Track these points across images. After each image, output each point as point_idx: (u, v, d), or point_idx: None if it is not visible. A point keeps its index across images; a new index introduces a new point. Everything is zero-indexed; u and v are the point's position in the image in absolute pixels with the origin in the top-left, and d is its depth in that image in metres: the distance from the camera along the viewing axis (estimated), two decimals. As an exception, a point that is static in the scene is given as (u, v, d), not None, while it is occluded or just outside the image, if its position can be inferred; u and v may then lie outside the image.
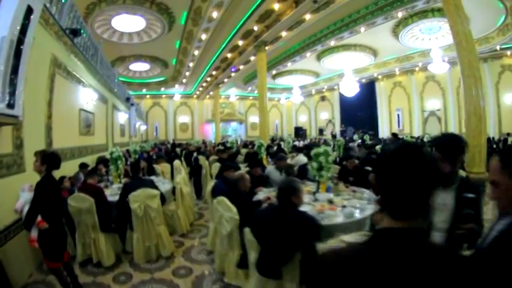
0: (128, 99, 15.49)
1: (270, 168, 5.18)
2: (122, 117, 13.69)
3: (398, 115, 23.07)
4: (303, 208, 3.09)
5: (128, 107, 15.95)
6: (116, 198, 4.34)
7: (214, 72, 19.75)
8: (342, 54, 18.64)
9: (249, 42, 14.32)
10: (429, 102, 20.56)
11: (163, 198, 4.37)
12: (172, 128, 29.40)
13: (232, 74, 19.99)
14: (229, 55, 16.18)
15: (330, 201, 3.92)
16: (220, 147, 11.77)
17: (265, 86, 14.26)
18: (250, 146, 13.75)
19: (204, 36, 12.66)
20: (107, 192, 4.77)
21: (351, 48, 17.80)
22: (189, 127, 30.20)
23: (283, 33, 13.43)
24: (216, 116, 23.34)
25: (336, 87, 27.08)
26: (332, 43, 15.62)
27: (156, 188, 4.34)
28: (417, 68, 20.08)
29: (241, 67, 18.35)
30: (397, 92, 23.05)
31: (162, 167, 6.65)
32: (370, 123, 24.52)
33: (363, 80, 23.54)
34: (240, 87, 26.58)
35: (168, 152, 8.80)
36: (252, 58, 16.58)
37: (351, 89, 19.57)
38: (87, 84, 7.82)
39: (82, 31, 6.60)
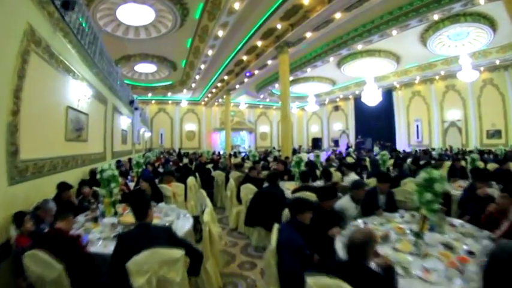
0: (131, 102, 13.97)
1: (344, 201, 3.51)
2: (124, 122, 12.14)
3: (417, 126, 21.75)
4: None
5: (132, 111, 14.41)
6: (108, 248, 2.61)
7: (226, 77, 18.27)
8: (365, 61, 17.23)
9: (269, 42, 12.85)
10: (449, 112, 19.49)
11: (195, 259, 2.64)
12: (178, 136, 27.87)
13: (246, 80, 18.51)
14: (245, 57, 14.67)
15: (449, 247, 2.55)
16: (241, 161, 10.15)
17: (288, 92, 12.75)
18: (271, 160, 12.04)
19: (220, 33, 11.15)
20: (94, 234, 3.06)
21: (375, 54, 16.38)
22: (196, 135, 28.67)
23: (308, 34, 12.00)
24: (226, 124, 21.74)
25: (350, 96, 25.92)
26: (359, 47, 14.11)
27: (176, 242, 2.49)
28: (437, 77, 19.23)
29: (256, 72, 16.85)
30: (416, 101, 21.92)
31: (173, 186, 4.95)
32: (387, 134, 23.33)
33: (380, 89, 21.95)
34: (251, 94, 25.14)
35: (179, 165, 7.19)
36: (269, 62, 15.15)
37: (373, 97, 18.14)
38: (79, 76, 6.25)
39: (77, 5, 5.04)
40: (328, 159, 11.29)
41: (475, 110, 18.25)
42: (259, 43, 12.76)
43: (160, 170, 8.96)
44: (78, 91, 6.20)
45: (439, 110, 20.18)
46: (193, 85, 19.23)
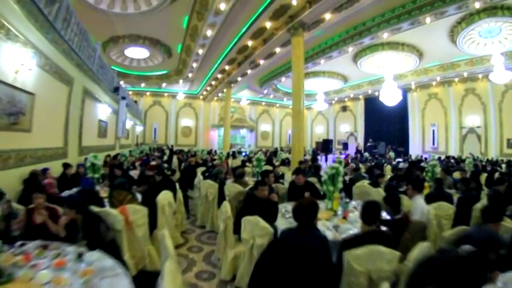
0: (116, 89, 11.94)
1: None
2: (103, 111, 10.09)
3: (433, 131, 20.01)
4: None
5: (117, 101, 12.37)
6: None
7: (227, 67, 16.22)
8: (385, 55, 15.41)
9: (280, 24, 10.82)
10: (468, 117, 18.04)
11: None
12: (173, 131, 25.80)
13: (249, 71, 16.48)
14: (250, 43, 12.63)
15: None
16: (241, 165, 8.08)
17: (302, 83, 10.65)
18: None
19: (223, 6, 9.11)
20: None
21: (398, 47, 14.47)
22: (193, 132, 26.61)
23: (327, 16, 10.00)
24: (226, 121, 19.60)
25: (361, 96, 24.20)
26: (385, 35, 12.10)
27: None
28: (457, 79, 17.67)
29: (261, 62, 14.81)
30: (432, 104, 20.28)
31: (128, 211, 2.84)
32: (400, 138, 21.81)
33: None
34: (254, 89, 23.14)
35: (161, 169, 5.19)
36: (278, 50, 13.13)
37: (392, 97, 16.18)
38: (19, 39, 4.30)
39: None
40: (346, 166, 9.23)
41: (495, 116, 16.90)
42: (268, 24, 10.72)
43: (134, 173, 6.91)
44: (15, 59, 4.19)
45: (457, 114, 18.61)
46: (190, 75, 17.12)
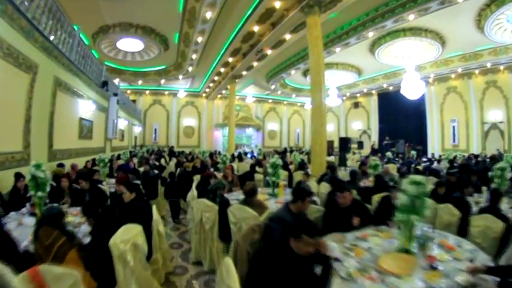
0: (105, 84, 10.49)
1: None
2: (86, 108, 8.64)
3: (454, 127, 18.42)
4: None
5: (107, 97, 10.94)
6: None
7: (230, 59, 14.71)
8: (405, 43, 13.86)
9: (292, 3, 9.27)
10: (490, 112, 16.66)
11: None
12: (175, 131, 24.34)
13: (255, 64, 14.97)
14: (256, 28, 11.10)
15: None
16: (250, 173, 6.56)
17: (323, 68, 9.04)
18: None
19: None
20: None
21: (421, 33, 12.86)
22: (195, 132, 25.14)
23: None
24: (230, 119, 18.00)
25: (374, 91, 22.63)
26: (411, 17, 10.51)
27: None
28: (477, 71, 16.28)
29: (269, 52, 13.30)
30: (452, 99, 18.66)
31: (45, 278, 1.45)
32: (418, 135, 20.24)
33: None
34: (260, 85, 21.62)
35: (131, 183, 3.61)
36: (288, 37, 11.64)
37: (414, 89, 14.59)
38: None
39: None
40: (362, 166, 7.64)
41: (519, 110, 15.47)
42: (277, 4, 9.19)
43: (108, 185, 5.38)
44: None
45: (479, 109, 17.17)
46: (190, 69, 15.59)
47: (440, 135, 19.46)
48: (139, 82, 19.11)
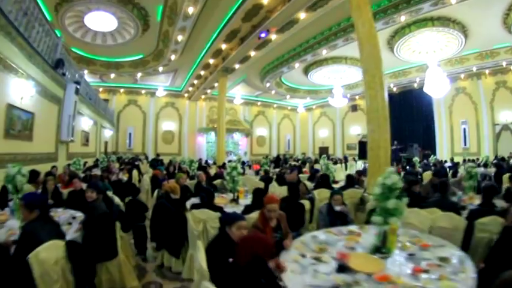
0: (59, 63, 7.52)
1: None
2: (19, 90, 5.67)
3: (464, 129, 17.36)
4: None
5: (62, 84, 7.97)
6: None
7: (224, 46, 12.03)
8: (427, 36, 12.33)
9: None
10: (502, 113, 16.10)
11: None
12: (152, 137, 21.17)
13: (252, 54, 12.43)
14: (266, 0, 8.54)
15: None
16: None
17: (376, 41, 6.64)
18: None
19: None
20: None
21: (449, 24, 11.26)
22: (176, 137, 22.09)
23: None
24: (220, 121, 14.89)
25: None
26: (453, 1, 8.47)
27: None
28: (488, 71, 15.79)
29: (273, 37, 10.81)
30: (460, 100, 17.72)
31: None
32: (425, 139, 19.00)
33: (415, 85, 18.24)
34: (252, 84, 19.11)
35: None
36: (303, 16, 9.22)
37: (438, 86, 12.64)
38: None
39: None
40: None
41: (530, 111, 15.03)
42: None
43: None
44: None
45: (489, 110, 16.45)
46: (172, 57, 12.61)
47: (450, 138, 18.20)
48: (112, 75, 15.95)
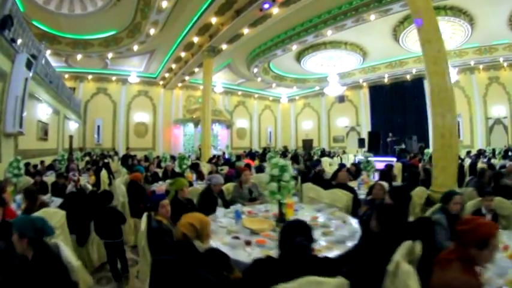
0: (7, 20, 5.38)
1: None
2: None
3: (458, 122, 16.62)
4: None
5: (9, 53, 5.84)
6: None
7: (214, 20, 10.15)
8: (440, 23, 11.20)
9: None
10: (494, 108, 16.77)
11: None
12: (123, 130, 18.79)
13: (245, 31, 10.72)
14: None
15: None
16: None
17: (433, 14, 5.54)
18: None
19: None
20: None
21: (461, 15, 11.01)
22: (150, 130, 19.84)
23: None
24: (205, 109, 12.87)
25: (365, 83, 19.79)
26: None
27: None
28: (482, 66, 16.19)
29: (274, 11, 9.13)
30: (454, 93, 16.63)
31: None
32: (418, 132, 18.08)
33: (408, 76, 18.21)
34: (235, 70, 17.37)
35: None
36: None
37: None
38: None
39: None
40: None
41: (521, 106, 15.48)
42: None
43: None
44: None
45: (482, 104, 16.95)
46: (151, 31, 10.47)
47: (443, 130, 17.65)
48: (79, 57, 13.44)
